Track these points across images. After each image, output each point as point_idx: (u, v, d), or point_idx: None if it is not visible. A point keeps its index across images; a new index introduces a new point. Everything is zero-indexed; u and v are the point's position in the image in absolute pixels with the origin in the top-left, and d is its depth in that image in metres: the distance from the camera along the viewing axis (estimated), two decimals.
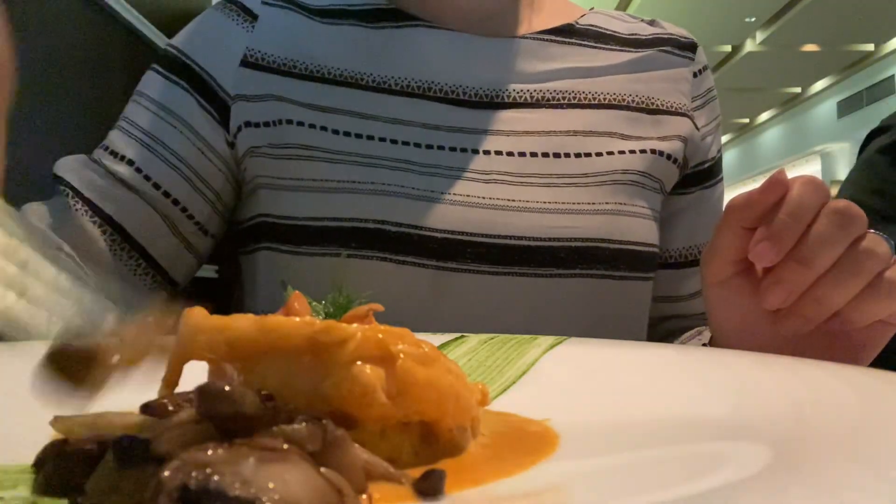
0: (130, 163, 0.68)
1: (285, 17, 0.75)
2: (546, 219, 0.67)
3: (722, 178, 0.84)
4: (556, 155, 0.70)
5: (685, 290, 0.80)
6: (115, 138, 0.70)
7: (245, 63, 0.72)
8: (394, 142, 0.68)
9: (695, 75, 0.80)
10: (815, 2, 8.78)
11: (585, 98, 0.74)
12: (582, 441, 0.31)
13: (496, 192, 0.67)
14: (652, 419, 0.35)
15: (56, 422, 0.27)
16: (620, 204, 0.70)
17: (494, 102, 0.72)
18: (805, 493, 0.22)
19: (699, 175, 0.80)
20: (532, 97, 0.73)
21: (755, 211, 0.48)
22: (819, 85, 12.40)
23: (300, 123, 0.69)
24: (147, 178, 0.68)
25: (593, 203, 0.69)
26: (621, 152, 0.72)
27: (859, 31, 10.04)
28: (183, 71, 0.72)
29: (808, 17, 9.22)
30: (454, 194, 0.67)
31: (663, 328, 0.81)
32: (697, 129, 0.78)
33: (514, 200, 0.67)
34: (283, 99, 0.70)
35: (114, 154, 0.69)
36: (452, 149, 0.69)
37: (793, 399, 0.35)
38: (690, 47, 0.81)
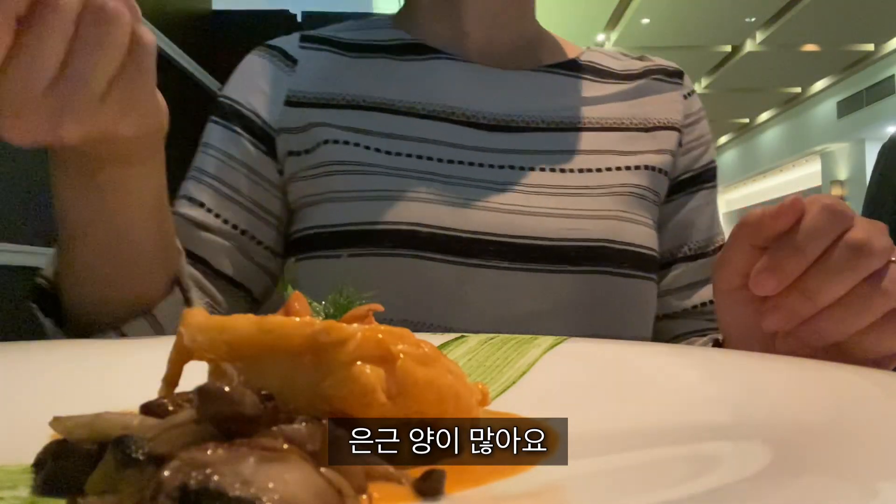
0: (201, 204, 0.78)
1: (321, 57, 0.84)
2: (556, 222, 0.75)
3: (715, 186, 0.89)
4: (563, 170, 0.79)
5: (671, 286, 0.84)
6: (190, 187, 0.80)
7: (288, 103, 0.81)
8: (419, 157, 0.77)
9: (685, 97, 0.89)
10: (815, 2, 8.79)
11: (589, 123, 0.83)
12: (582, 441, 0.31)
13: (511, 199, 0.76)
14: (652, 419, 0.35)
15: (55, 422, 0.27)
16: (622, 211, 0.78)
17: (510, 127, 0.81)
18: (805, 493, 0.22)
19: (682, 184, 0.86)
20: (543, 121, 0.82)
21: (764, 233, 0.48)
22: (819, 85, 12.41)
23: (335, 142, 0.78)
24: (217, 215, 0.78)
25: (597, 210, 0.77)
26: (618, 168, 0.81)
27: (859, 31, 10.05)
28: (234, 116, 0.81)
29: (808, 17, 9.23)
30: (475, 201, 0.75)
31: (655, 328, 0.84)
32: (681, 144, 0.86)
33: (526, 206, 0.75)
34: (322, 124, 0.79)
35: (190, 200, 0.78)
36: (471, 163, 0.78)
37: (794, 399, 0.35)
38: (678, 74, 0.90)
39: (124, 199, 0.56)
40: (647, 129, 0.85)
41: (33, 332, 0.60)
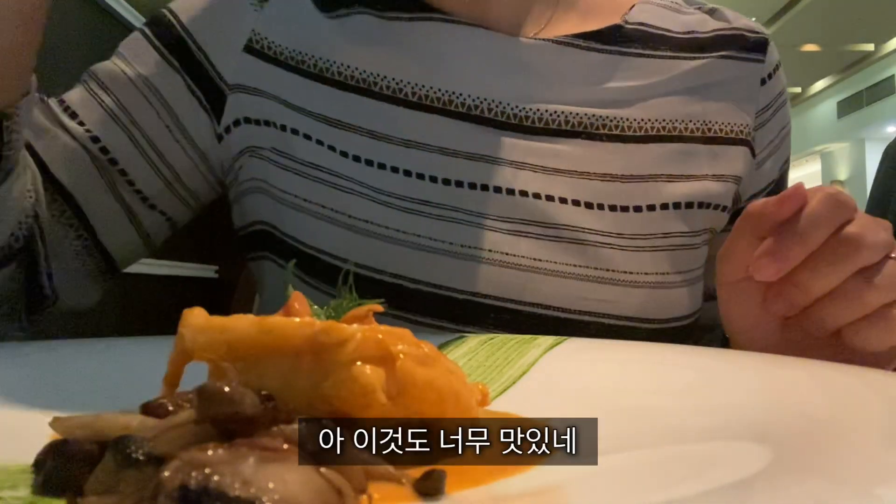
0: (84, 127, 0.61)
1: (296, 4, 0.67)
2: (578, 287, 0.60)
3: None
4: (590, 205, 0.61)
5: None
6: (76, 97, 0.63)
7: (249, 49, 0.65)
8: (407, 173, 0.61)
9: (763, 82, 0.70)
10: (815, 2, 8.79)
11: (630, 128, 0.64)
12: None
13: (522, 248, 0.60)
14: (652, 419, 0.35)
15: (55, 422, 0.27)
16: (664, 274, 0.62)
17: (524, 125, 0.63)
18: (805, 494, 0.22)
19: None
20: (567, 122, 0.63)
21: (767, 222, 0.47)
22: (819, 85, 12.40)
23: (307, 137, 0.63)
24: (96, 140, 0.61)
25: (631, 273, 0.61)
26: (664, 207, 0.63)
27: (859, 31, 10.05)
28: (176, 45, 0.64)
29: (808, 17, 9.23)
30: (477, 248, 0.60)
31: None
32: (754, 156, 0.69)
33: (541, 261, 0.60)
34: (291, 105, 0.64)
35: (72, 115, 0.62)
36: (472, 186, 0.61)
37: (794, 399, 0.35)
38: (760, 46, 0.70)
39: None
40: (705, 140, 0.66)
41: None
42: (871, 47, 10.68)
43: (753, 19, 0.77)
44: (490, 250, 0.60)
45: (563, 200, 0.61)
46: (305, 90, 0.64)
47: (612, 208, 0.62)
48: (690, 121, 0.66)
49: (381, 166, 0.61)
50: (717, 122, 0.67)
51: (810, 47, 10.37)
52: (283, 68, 0.65)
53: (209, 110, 0.65)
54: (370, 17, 0.65)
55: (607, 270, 0.60)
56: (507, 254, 0.60)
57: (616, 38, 0.66)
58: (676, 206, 0.63)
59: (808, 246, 0.45)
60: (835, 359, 0.45)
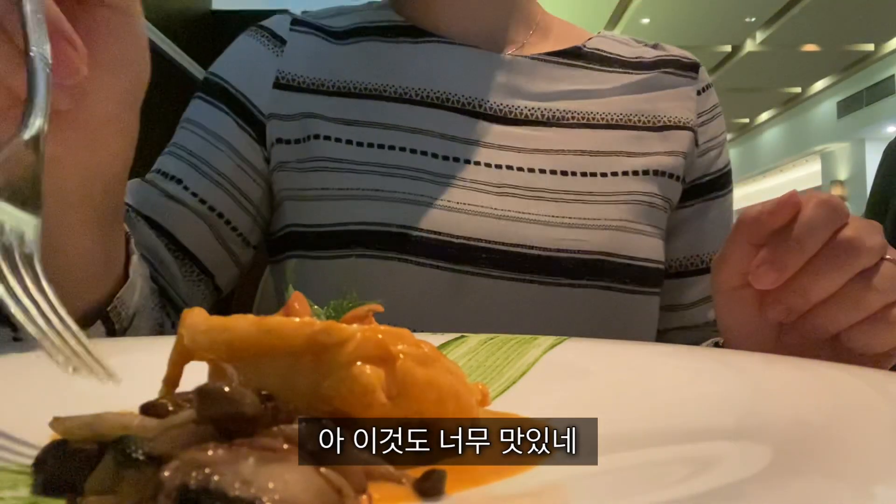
0: (178, 181, 0.74)
1: (310, 40, 0.80)
2: (555, 231, 0.71)
3: (730, 191, 0.84)
4: (564, 173, 0.74)
5: (687, 299, 0.81)
6: (165, 161, 0.76)
7: (277, 85, 0.77)
8: (413, 151, 0.73)
9: (699, 93, 0.83)
10: (815, 2, 8.79)
11: (594, 118, 0.78)
12: None
13: (508, 204, 0.72)
14: (652, 419, 0.35)
15: (55, 422, 0.27)
16: (626, 221, 0.73)
17: (508, 118, 0.76)
18: (805, 493, 0.22)
19: (698, 188, 0.82)
20: (543, 115, 0.77)
21: (763, 230, 0.48)
22: (819, 85, 12.41)
23: (327, 137, 0.74)
24: (194, 194, 0.74)
25: (600, 219, 0.72)
26: (625, 173, 0.75)
27: (859, 31, 10.05)
28: (222, 95, 0.78)
29: (808, 17, 9.23)
30: (470, 204, 0.71)
31: (668, 340, 0.81)
32: (697, 144, 0.81)
33: (524, 213, 0.71)
34: (314, 115, 0.75)
35: (164, 175, 0.74)
36: (467, 161, 0.73)
37: (793, 399, 0.35)
38: (692, 67, 0.84)
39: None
40: (657, 129, 0.79)
41: None
42: (871, 47, 10.68)
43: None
44: (481, 205, 0.71)
45: (542, 171, 0.74)
46: (326, 104, 0.76)
47: (584, 174, 0.74)
48: (643, 115, 0.79)
49: (392, 148, 0.74)
50: (665, 116, 0.80)
51: (810, 47, 10.37)
52: (306, 92, 0.77)
53: (257, 140, 0.77)
54: (379, 42, 0.80)
55: (580, 219, 0.72)
56: (495, 209, 0.71)
57: (577, 56, 0.81)
58: (636, 173, 0.76)
59: (805, 252, 0.46)
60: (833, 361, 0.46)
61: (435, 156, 0.73)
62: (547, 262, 0.70)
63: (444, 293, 0.69)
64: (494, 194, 0.72)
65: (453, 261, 0.69)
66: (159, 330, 0.64)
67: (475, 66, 0.78)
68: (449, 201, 0.71)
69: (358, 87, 0.77)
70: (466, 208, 0.71)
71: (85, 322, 0.53)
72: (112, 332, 0.54)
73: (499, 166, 0.74)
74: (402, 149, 0.73)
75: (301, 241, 0.74)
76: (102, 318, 0.53)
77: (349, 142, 0.74)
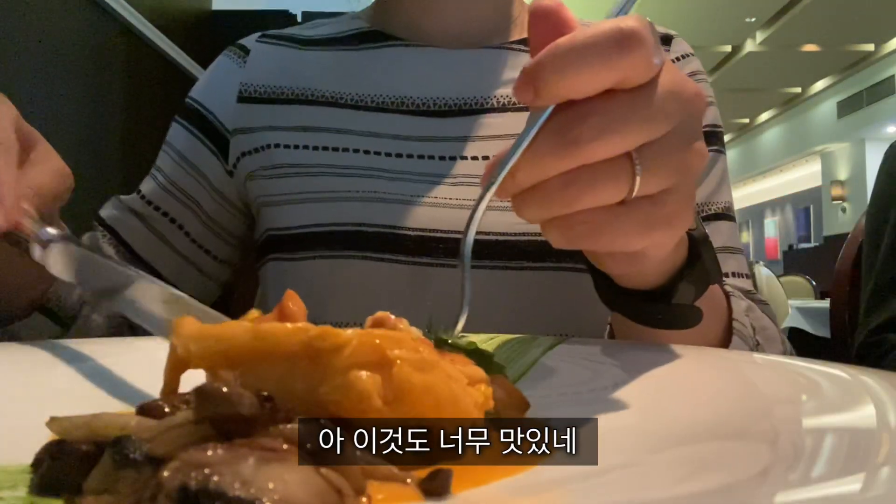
0: (152, 204, 0.80)
1: (276, 50, 0.82)
2: (510, 216, 0.67)
3: (721, 151, 0.80)
4: None
5: None
6: (145, 184, 0.81)
7: (241, 98, 0.80)
8: (366, 152, 0.75)
9: (675, 61, 0.80)
10: (815, 2, 8.79)
11: None
12: None
13: (463, 193, 0.72)
14: (652, 419, 0.35)
15: (52, 422, 0.26)
16: None
17: (463, 110, 0.77)
18: (804, 493, 0.22)
19: None
20: (499, 102, 0.77)
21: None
22: (819, 85, 12.41)
23: (286, 146, 0.77)
24: (157, 208, 0.79)
25: None
26: None
27: (859, 31, 10.05)
28: (194, 117, 0.81)
29: (808, 17, 9.23)
30: (423, 196, 0.72)
31: None
32: None
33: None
34: (269, 128, 0.78)
35: (142, 197, 0.80)
36: (420, 156, 0.74)
37: (794, 399, 0.35)
38: (665, 40, 0.82)
39: None
40: None
41: None
42: (871, 47, 10.68)
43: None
44: (435, 197, 0.72)
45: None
46: (284, 113, 0.78)
47: None
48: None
49: (345, 150, 0.75)
50: None
51: (810, 47, 10.37)
52: (267, 103, 0.79)
53: (218, 154, 0.80)
54: (342, 51, 0.81)
55: None
56: (449, 199, 0.72)
57: None
58: None
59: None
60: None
61: (388, 154, 0.75)
62: (505, 247, 0.70)
63: (405, 287, 0.70)
64: (449, 185, 0.73)
65: (411, 253, 0.70)
66: (123, 320, 0.67)
67: (429, 66, 0.79)
68: (402, 195, 0.72)
69: (315, 94, 0.79)
70: (420, 200, 0.72)
71: (23, 313, 0.59)
72: (59, 322, 0.60)
73: (453, 157, 0.74)
74: (356, 150, 0.75)
75: (277, 244, 0.76)
76: (41, 309, 0.59)
77: (305, 147, 0.76)
